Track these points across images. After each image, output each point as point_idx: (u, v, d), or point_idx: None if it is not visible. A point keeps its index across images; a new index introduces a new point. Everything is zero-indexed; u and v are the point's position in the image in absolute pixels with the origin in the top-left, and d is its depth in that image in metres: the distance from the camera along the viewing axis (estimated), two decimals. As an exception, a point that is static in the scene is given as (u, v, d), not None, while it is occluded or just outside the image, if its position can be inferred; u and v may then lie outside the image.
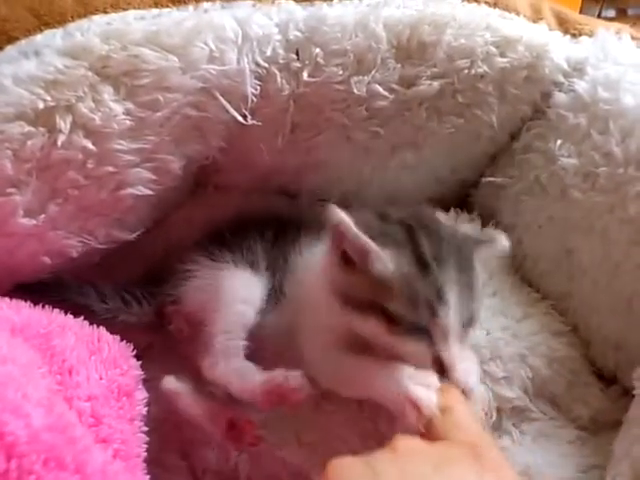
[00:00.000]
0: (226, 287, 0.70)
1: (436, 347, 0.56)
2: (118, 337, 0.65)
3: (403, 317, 0.56)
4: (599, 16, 2.18)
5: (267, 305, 0.70)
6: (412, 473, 0.45)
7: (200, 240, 0.78)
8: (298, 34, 0.70)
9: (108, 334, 0.65)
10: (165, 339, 0.76)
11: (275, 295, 0.71)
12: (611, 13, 2.27)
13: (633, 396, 0.65)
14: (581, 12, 1.99)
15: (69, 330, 0.61)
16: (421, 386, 0.55)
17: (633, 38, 0.77)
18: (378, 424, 0.68)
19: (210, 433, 0.67)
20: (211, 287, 0.71)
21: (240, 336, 0.68)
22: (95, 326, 0.64)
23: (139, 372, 0.64)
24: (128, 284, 0.77)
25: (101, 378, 0.58)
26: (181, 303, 0.73)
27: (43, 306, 0.62)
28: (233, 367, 0.66)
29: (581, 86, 0.74)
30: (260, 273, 0.72)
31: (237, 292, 0.70)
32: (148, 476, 0.58)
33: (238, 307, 0.69)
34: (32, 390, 0.47)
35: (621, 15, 2.31)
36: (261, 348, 0.69)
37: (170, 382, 0.68)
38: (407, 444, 0.49)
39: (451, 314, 0.56)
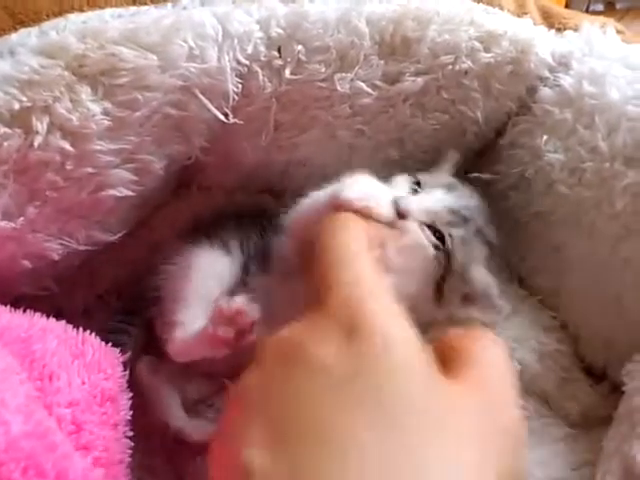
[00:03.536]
0: (195, 264, 0.70)
1: None
2: (103, 342, 0.64)
3: None
4: (587, 10, 2.19)
5: None
6: (269, 382, 0.39)
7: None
8: (279, 31, 0.69)
9: (92, 337, 0.63)
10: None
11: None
12: (599, 7, 2.28)
13: (623, 392, 0.64)
14: (569, 6, 2.00)
15: (51, 333, 0.59)
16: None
17: (618, 32, 0.76)
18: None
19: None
20: (182, 267, 0.70)
21: (201, 312, 0.66)
22: (80, 329, 0.63)
23: (124, 376, 0.62)
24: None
25: (84, 383, 0.56)
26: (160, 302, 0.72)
27: (24, 310, 0.61)
28: (189, 333, 0.65)
29: (566, 81, 0.74)
30: (232, 253, 0.72)
31: (205, 268, 0.70)
32: (133, 481, 0.57)
33: (205, 282, 0.69)
34: (10, 397, 0.46)
35: (609, 8, 2.32)
36: None
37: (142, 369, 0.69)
38: (268, 347, 0.41)
39: None
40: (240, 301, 0.60)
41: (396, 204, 0.61)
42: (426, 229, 0.63)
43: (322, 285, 0.43)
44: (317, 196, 0.63)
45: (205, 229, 0.75)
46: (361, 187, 0.58)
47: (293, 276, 0.68)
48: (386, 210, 0.58)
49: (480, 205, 0.70)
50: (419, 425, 0.35)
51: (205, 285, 0.69)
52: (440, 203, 0.65)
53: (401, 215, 0.61)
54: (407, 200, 0.63)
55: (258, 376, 0.40)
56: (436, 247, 0.63)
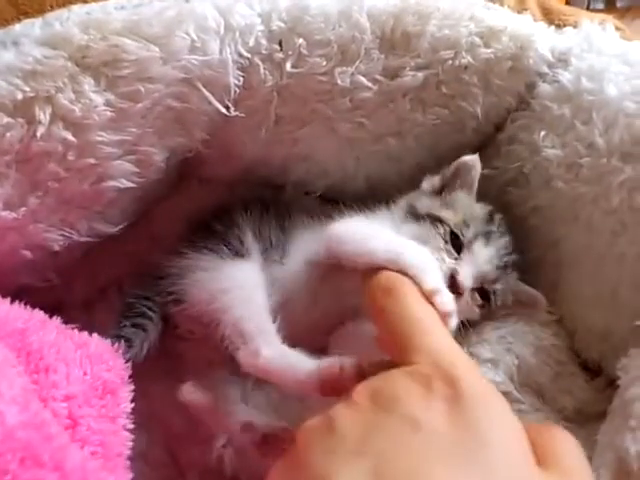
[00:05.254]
0: (231, 274, 0.69)
1: None
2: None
3: None
4: (588, 7, 2.19)
5: None
6: (366, 425, 0.42)
7: (186, 233, 0.77)
8: (281, 24, 0.69)
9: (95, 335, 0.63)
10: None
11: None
12: (600, 5, 2.28)
13: (618, 387, 0.65)
14: (569, 4, 2.00)
15: (50, 324, 0.59)
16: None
17: (617, 29, 0.76)
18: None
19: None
20: (216, 278, 0.69)
21: (269, 319, 0.66)
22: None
23: (126, 368, 0.62)
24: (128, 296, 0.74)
25: (85, 374, 0.56)
26: (184, 302, 0.71)
27: (26, 304, 0.61)
28: (278, 354, 0.64)
29: (565, 77, 0.74)
30: (254, 259, 0.72)
31: (244, 279, 0.69)
32: (131, 475, 0.56)
33: (252, 291, 0.68)
34: (6, 388, 0.46)
35: (610, 6, 2.32)
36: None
37: (189, 391, 0.68)
38: (361, 390, 0.45)
39: None
40: (353, 366, 0.59)
41: (452, 279, 0.67)
42: (475, 294, 0.71)
43: (404, 347, 0.48)
44: (372, 247, 0.62)
45: (216, 231, 0.75)
46: (419, 255, 0.60)
47: (319, 278, 0.71)
48: (432, 282, 0.57)
49: (509, 235, 0.75)
50: None
51: (255, 296, 0.68)
52: (487, 265, 0.71)
53: (456, 290, 0.66)
54: (461, 275, 0.68)
55: (353, 418, 0.43)
56: (482, 305, 0.72)
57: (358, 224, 0.70)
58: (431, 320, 0.52)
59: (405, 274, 0.57)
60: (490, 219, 0.74)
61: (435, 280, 0.57)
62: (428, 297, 0.55)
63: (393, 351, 0.51)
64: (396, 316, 0.52)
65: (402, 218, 0.73)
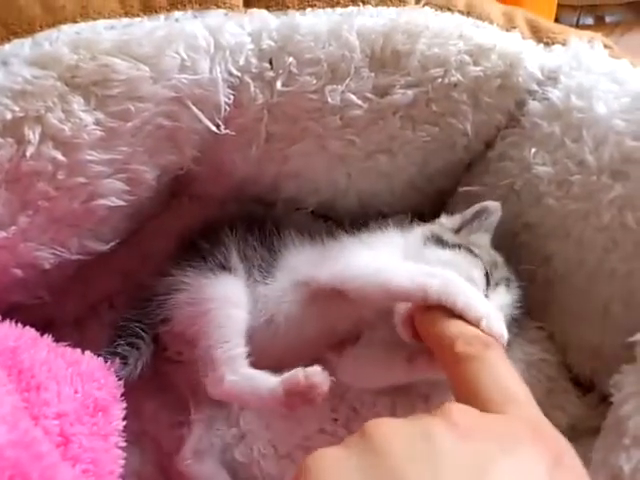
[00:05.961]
0: (212, 294, 0.69)
1: None
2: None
3: None
4: (577, 23, 2.20)
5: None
6: (477, 452, 0.41)
7: (173, 253, 0.77)
8: (271, 43, 0.69)
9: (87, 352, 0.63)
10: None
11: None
12: (589, 21, 2.29)
13: (611, 403, 0.64)
14: (558, 20, 2.01)
15: (41, 342, 0.59)
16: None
17: (606, 47, 0.77)
18: (353, 432, 0.67)
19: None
20: (196, 298, 0.69)
21: (240, 343, 0.66)
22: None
23: (118, 386, 0.62)
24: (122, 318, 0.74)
25: (76, 392, 0.56)
26: (171, 322, 0.71)
27: (16, 322, 0.61)
28: (241, 378, 0.64)
29: (555, 94, 0.74)
30: (239, 275, 0.72)
31: (224, 297, 0.69)
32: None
33: (230, 312, 0.68)
34: (-5, 407, 0.46)
35: (599, 22, 2.33)
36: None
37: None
38: (465, 415, 0.45)
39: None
40: (316, 376, 0.61)
41: None
42: None
43: (491, 399, 0.50)
44: (390, 279, 0.63)
45: (201, 248, 0.74)
46: (451, 282, 0.60)
47: (307, 300, 0.71)
48: (478, 307, 0.58)
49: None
50: None
51: (234, 316, 0.68)
52: (505, 310, 0.68)
53: None
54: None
55: (456, 440, 0.42)
56: None
57: (368, 256, 0.69)
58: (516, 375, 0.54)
59: (436, 304, 0.58)
60: (508, 267, 0.73)
61: (480, 304, 0.57)
62: (475, 324, 0.56)
63: (470, 395, 0.52)
64: (492, 369, 0.53)
65: (422, 243, 0.71)
